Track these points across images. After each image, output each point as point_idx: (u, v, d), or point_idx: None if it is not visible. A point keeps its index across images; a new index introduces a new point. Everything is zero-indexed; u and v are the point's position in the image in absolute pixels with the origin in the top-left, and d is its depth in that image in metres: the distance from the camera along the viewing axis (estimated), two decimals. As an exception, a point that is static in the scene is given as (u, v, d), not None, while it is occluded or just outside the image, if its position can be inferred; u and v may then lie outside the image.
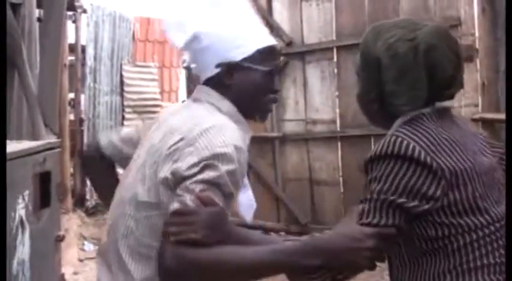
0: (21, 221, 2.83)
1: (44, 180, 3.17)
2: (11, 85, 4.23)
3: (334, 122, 7.17)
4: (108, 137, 2.42)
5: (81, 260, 7.58)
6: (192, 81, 10.06)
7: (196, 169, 1.85)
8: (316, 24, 7.30)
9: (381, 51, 1.97)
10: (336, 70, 7.15)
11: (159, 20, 12.05)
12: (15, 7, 4.27)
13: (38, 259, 3.06)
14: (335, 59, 7.17)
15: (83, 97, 10.02)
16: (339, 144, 7.15)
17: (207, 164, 1.86)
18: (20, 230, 2.81)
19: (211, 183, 1.85)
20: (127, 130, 2.48)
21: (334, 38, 7.18)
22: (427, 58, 1.91)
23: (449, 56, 1.93)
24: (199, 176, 1.84)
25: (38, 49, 4.57)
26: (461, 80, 2.00)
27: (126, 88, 10.96)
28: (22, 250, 2.85)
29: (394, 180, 1.79)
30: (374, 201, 1.80)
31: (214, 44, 2.10)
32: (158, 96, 11.75)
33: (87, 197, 9.90)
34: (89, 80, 10.01)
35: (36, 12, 4.82)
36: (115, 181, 2.40)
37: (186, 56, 8.98)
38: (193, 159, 1.87)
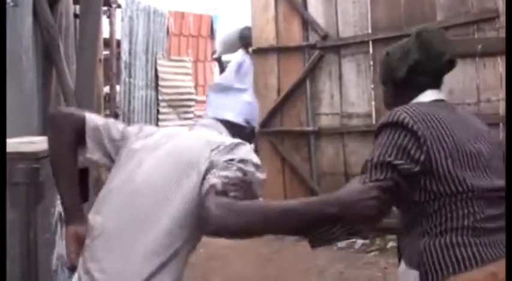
0: (60, 217, 2.85)
1: (82, 176, 3.19)
2: (49, 81, 4.26)
3: (369, 115, 7.06)
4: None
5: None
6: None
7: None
8: (352, 18, 7.19)
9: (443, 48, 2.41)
10: (371, 63, 7.03)
11: (193, 14, 12.10)
12: (53, 4, 4.30)
13: (77, 254, 3.07)
14: (371, 53, 7.05)
15: (118, 92, 10.05)
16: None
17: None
18: (59, 226, 2.83)
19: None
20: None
21: (369, 31, 7.06)
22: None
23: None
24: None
25: (75, 45, 4.61)
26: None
27: (161, 82, 10.99)
28: (61, 245, 2.87)
29: (390, 144, 2.15)
30: (375, 162, 2.13)
31: None
32: (193, 90, 11.76)
33: None
34: (124, 74, 10.06)
35: (73, 9, 4.83)
36: None
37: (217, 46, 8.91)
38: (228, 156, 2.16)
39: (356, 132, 7.16)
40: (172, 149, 2.26)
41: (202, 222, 2.03)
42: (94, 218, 2.24)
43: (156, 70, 10.99)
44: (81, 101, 4.36)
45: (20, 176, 2.53)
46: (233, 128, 2.50)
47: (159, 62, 11.01)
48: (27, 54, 3.78)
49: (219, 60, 9.39)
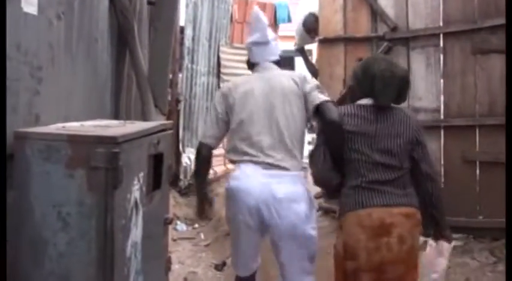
0: (136, 203, 2.80)
1: (156, 162, 3.14)
2: (122, 65, 4.22)
3: (437, 111, 6.88)
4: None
5: (174, 240, 7.60)
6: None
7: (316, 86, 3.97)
8: (423, 10, 7.01)
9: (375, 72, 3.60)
10: (442, 57, 6.86)
11: (257, 1, 11.99)
12: (128, -14, 4.27)
13: (149, 241, 3.04)
14: (441, 46, 6.87)
15: (180, 77, 10.02)
16: (442, 134, 6.84)
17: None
18: (134, 212, 2.79)
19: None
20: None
21: (441, 24, 6.89)
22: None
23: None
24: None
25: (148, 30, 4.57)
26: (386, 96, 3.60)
27: (222, 70, 10.94)
28: (135, 233, 2.82)
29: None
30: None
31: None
32: (253, 78, 11.66)
33: (181, 177, 9.93)
34: (186, 60, 10.00)
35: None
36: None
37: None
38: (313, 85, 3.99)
39: (423, 127, 6.97)
40: (274, 85, 3.91)
41: (328, 117, 3.64)
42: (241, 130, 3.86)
43: (218, 57, 10.96)
44: (155, 87, 4.31)
45: (99, 160, 2.48)
46: (276, 64, 4.07)
47: (221, 48, 10.96)
48: (102, 37, 3.74)
49: (301, 50, 9.15)
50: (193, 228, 8.51)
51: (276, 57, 4.08)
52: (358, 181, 3.50)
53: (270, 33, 4.09)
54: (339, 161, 3.59)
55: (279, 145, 3.71)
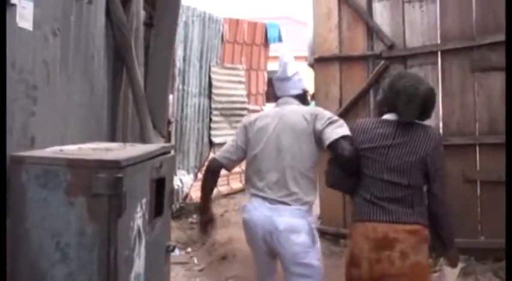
0: (139, 232, 2.62)
1: (158, 187, 2.96)
2: (119, 84, 4.03)
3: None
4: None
5: (167, 265, 7.38)
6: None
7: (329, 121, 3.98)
8: (420, 27, 6.93)
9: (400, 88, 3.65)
10: (440, 75, 6.76)
11: (248, 21, 11.89)
12: (125, 3, 4.09)
13: (151, 271, 2.85)
14: (439, 64, 6.78)
15: (171, 99, 9.84)
16: (442, 153, 6.69)
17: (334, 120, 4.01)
18: (137, 242, 2.60)
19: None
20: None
21: (438, 41, 6.80)
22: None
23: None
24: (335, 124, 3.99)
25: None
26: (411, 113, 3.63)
27: (214, 90, 10.79)
28: (138, 263, 2.63)
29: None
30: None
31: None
32: (245, 99, 11.56)
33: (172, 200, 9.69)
34: (177, 81, 9.84)
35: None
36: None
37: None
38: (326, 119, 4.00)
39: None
40: (286, 122, 4.06)
41: (338, 154, 3.80)
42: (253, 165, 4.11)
43: (209, 78, 10.79)
44: (153, 107, 4.13)
45: (101, 186, 2.30)
46: (298, 97, 4.27)
47: (212, 69, 10.80)
48: (99, 54, 3.57)
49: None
50: (186, 252, 8.27)
51: (297, 91, 4.30)
52: (368, 195, 3.65)
53: (291, 70, 4.32)
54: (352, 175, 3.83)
55: (282, 182, 3.98)
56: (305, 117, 4.04)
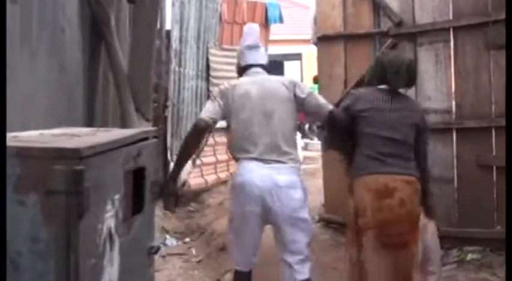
0: (110, 234, 2.18)
1: (136, 179, 2.52)
2: (97, 61, 3.57)
3: (449, 112, 6.39)
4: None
5: (163, 256, 7.11)
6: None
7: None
8: (430, 2, 6.54)
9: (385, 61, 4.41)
10: (452, 54, 6.36)
11: (247, 1, 11.46)
12: (102, -34, 3.62)
13: (130, 277, 2.42)
14: (452, 41, 6.38)
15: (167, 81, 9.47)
16: (454, 137, 6.37)
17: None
18: (108, 246, 2.16)
19: None
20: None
21: (450, 17, 6.41)
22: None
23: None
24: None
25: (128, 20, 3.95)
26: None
27: (212, 73, 10.48)
28: (110, 271, 2.20)
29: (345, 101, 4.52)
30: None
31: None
32: (244, 81, 11.15)
33: None
34: (173, 63, 9.48)
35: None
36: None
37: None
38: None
39: (433, 130, 6.42)
40: (267, 89, 4.36)
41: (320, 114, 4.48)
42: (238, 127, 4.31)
43: (207, 60, 10.44)
44: (136, 88, 3.69)
45: (57, 181, 1.86)
46: (264, 68, 4.56)
47: (210, 51, 10.44)
48: (70, 27, 3.13)
49: None
50: (184, 243, 8.08)
51: (264, 61, 4.65)
52: (369, 151, 4.16)
53: (259, 40, 4.78)
54: (348, 135, 4.37)
55: (275, 144, 4.27)
56: (284, 84, 4.43)
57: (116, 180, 2.28)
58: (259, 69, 4.56)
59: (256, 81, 4.44)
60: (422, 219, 4.34)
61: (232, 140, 4.45)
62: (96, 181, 2.00)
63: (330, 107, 4.46)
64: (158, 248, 2.85)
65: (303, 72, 23.58)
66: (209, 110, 4.35)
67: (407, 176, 4.12)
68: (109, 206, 2.17)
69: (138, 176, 2.55)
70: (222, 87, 4.52)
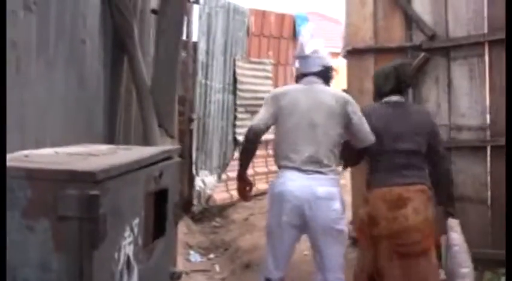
0: (128, 263, 2.01)
1: (158, 201, 2.35)
2: (119, 74, 3.42)
3: (483, 129, 6.18)
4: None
5: (186, 273, 6.92)
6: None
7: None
8: (464, 15, 6.33)
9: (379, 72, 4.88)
10: (487, 68, 6.15)
11: (275, 13, 11.34)
12: (126, -22, 3.48)
13: (148, 307, 2.24)
14: (486, 56, 6.18)
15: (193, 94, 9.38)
16: (489, 155, 6.15)
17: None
18: (125, 276, 1.99)
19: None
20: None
21: (485, 31, 6.21)
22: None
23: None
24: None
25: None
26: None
27: (239, 86, 10.37)
28: (129, 303, 2.03)
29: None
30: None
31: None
32: (272, 95, 11.03)
33: (194, 202, 9.41)
34: (200, 76, 9.39)
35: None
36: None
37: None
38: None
39: (467, 147, 6.27)
40: (317, 100, 4.45)
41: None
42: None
43: (234, 72, 10.32)
44: (159, 103, 3.53)
45: (70, 206, 1.70)
46: (319, 74, 4.58)
47: (237, 63, 10.33)
48: (92, 39, 2.97)
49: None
50: (208, 259, 7.96)
51: (317, 68, 4.62)
52: (386, 164, 4.45)
53: (309, 48, 4.66)
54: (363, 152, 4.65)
55: (316, 156, 4.36)
56: (336, 98, 4.52)
57: (136, 204, 2.11)
58: (314, 78, 4.61)
59: (309, 90, 4.55)
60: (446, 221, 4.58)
61: (276, 145, 4.60)
62: (113, 205, 1.84)
63: (373, 138, 4.51)
64: (180, 275, 2.68)
65: (331, 86, 23.40)
66: (259, 117, 4.52)
67: (420, 185, 4.41)
68: (127, 233, 2.00)
69: (159, 198, 2.38)
70: (275, 92, 4.78)
